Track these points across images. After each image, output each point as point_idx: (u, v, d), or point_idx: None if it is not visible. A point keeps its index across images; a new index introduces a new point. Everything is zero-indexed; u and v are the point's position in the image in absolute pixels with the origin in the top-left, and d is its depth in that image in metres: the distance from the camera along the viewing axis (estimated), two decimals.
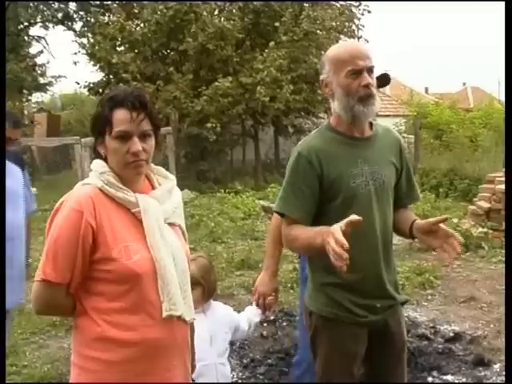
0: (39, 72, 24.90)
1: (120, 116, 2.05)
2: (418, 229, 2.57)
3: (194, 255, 3.33)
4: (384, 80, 3.40)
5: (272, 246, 3.26)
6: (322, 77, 2.63)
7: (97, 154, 2.15)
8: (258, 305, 3.23)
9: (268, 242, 3.34)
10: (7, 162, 3.54)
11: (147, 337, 2.06)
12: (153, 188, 2.21)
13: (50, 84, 25.63)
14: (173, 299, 2.09)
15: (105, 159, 2.12)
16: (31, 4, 21.40)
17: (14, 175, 3.62)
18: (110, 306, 2.04)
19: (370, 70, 2.56)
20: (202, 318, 3.10)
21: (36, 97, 27.99)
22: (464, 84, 43.15)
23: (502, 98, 8.94)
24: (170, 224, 2.19)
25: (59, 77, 24.81)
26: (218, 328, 3.18)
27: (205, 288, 3.14)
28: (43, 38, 23.88)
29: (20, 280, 3.60)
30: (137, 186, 2.14)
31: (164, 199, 2.19)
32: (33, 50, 24.71)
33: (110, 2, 18.09)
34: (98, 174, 2.09)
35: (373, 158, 2.61)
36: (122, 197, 2.08)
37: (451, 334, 5.18)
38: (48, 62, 25.59)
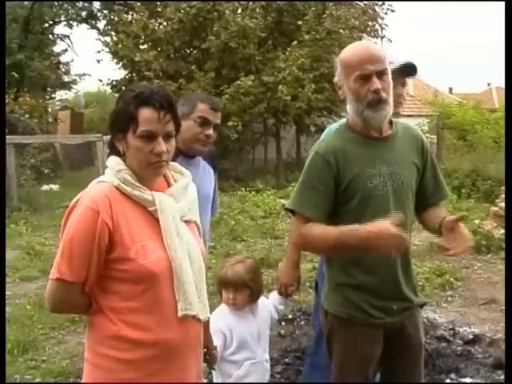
0: (63, 70, 25.13)
1: (146, 115, 2.01)
2: (444, 226, 2.52)
3: (241, 257, 3.43)
4: (408, 69, 3.22)
5: None
6: (335, 79, 2.61)
7: (113, 150, 2.12)
8: (280, 294, 3.29)
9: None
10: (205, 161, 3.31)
11: (163, 337, 2.06)
12: (168, 185, 2.19)
13: (74, 82, 25.88)
14: (188, 299, 2.08)
15: (121, 156, 2.09)
16: (56, 3, 21.55)
17: (210, 178, 3.41)
18: (126, 305, 2.04)
19: (381, 74, 2.49)
20: (250, 317, 3.21)
21: (60, 95, 28.27)
22: (489, 84, 42.68)
23: None
24: (186, 221, 2.18)
25: (83, 75, 25.08)
26: (263, 325, 3.27)
27: (253, 290, 3.18)
28: (67, 36, 24.10)
29: None
30: (153, 184, 2.12)
31: (180, 196, 2.17)
32: (57, 48, 24.97)
33: (133, 2, 18.14)
34: (114, 171, 2.07)
35: (392, 158, 2.57)
36: (138, 195, 2.06)
37: (470, 337, 5.11)
38: (72, 61, 25.83)
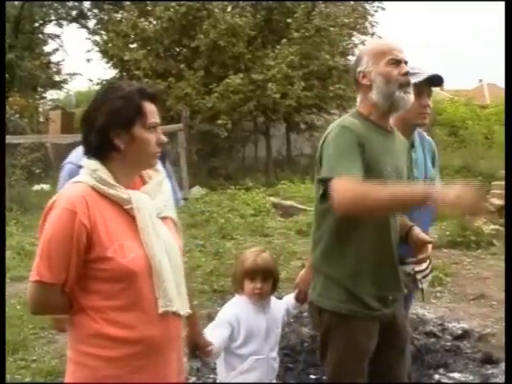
0: (54, 70, 24.99)
1: (150, 108, 2.11)
2: (413, 241, 2.78)
3: (259, 248, 3.36)
4: (436, 80, 3.31)
5: None
6: (359, 69, 2.69)
7: (105, 148, 2.08)
8: (297, 299, 3.27)
9: None
10: None
11: (145, 334, 2.06)
12: (143, 183, 2.20)
13: (65, 81, 25.69)
14: (168, 295, 2.10)
15: (119, 152, 2.08)
16: (46, 2, 21.45)
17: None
18: (107, 304, 2.05)
19: (406, 64, 2.67)
20: (261, 312, 3.17)
21: (51, 94, 28.11)
22: (480, 81, 42.76)
23: None
24: (163, 218, 2.19)
25: (74, 74, 24.89)
26: (273, 323, 3.22)
27: (276, 280, 3.18)
28: (58, 36, 23.96)
29: None
30: (129, 182, 2.14)
31: (155, 193, 2.19)
32: (48, 48, 24.82)
33: (123, 0, 18.08)
34: (89, 171, 2.08)
35: (395, 152, 2.71)
36: (114, 194, 2.07)
37: (459, 332, 5.15)
38: (63, 60, 25.72)
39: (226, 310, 3.20)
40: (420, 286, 3.36)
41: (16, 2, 20.73)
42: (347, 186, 2.39)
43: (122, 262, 2.02)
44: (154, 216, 2.13)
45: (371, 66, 2.65)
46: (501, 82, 37.34)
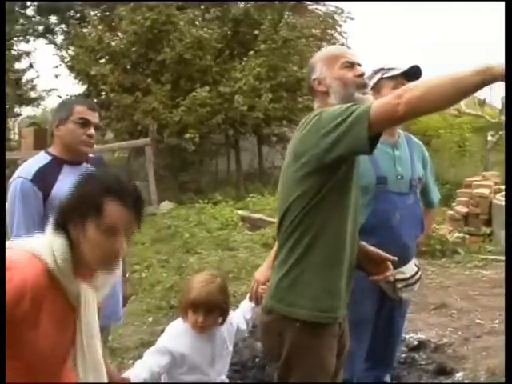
0: (29, 87, 24.71)
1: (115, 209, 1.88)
2: (364, 252, 2.69)
3: (209, 274, 3.12)
4: (415, 72, 3.25)
5: None
6: (313, 76, 2.64)
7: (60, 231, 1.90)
8: (251, 296, 3.11)
9: None
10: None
11: None
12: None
13: (40, 98, 25.37)
14: None
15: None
16: (11, 18, 21.22)
17: None
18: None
19: (360, 66, 2.64)
20: (207, 340, 2.99)
21: (26, 111, 27.75)
22: None
23: (493, 100, 8.92)
24: None
25: (50, 90, 24.57)
26: (221, 349, 3.05)
27: (223, 311, 3.01)
28: (29, 53, 23.64)
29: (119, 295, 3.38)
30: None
31: (103, 285, 2.04)
32: (20, 65, 24.47)
33: (89, 14, 17.90)
34: (51, 249, 1.86)
35: None
36: (69, 289, 1.90)
37: (415, 343, 5.03)
38: (38, 77, 25.34)
39: (169, 336, 3.01)
40: (399, 294, 3.24)
41: None
42: (396, 93, 2.20)
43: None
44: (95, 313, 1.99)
45: (325, 72, 2.62)
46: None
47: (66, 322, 1.90)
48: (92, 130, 3.14)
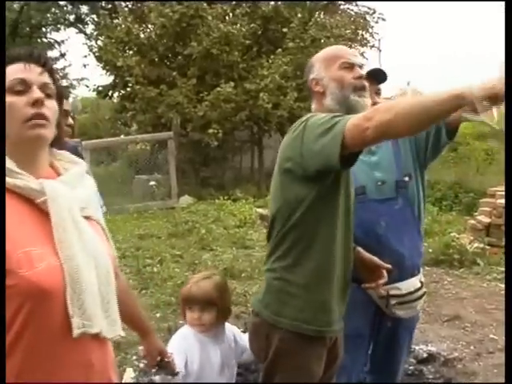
0: (60, 75, 24.83)
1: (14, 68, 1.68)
2: (360, 259, 2.61)
3: (208, 272, 3.14)
4: (378, 75, 3.11)
5: None
6: (311, 76, 2.57)
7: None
8: None
9: None
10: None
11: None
12: (58, 175, 1.75)
13: (72, 86, 25.44)
14: (87, 312, 1.59)
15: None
16: (43, 7, 21.36)
17: None
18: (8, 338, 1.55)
19: (360, 67, 2.57)
20: (213, 343, 2.91)
21: None
22: None
23: None
24: (87, 218, 1.73)
25: (82, 79, 24.62)
26: (229, 355, 2.96)
27: (220, 309, 2.91)
28: (62, 41, 23.72)
29: None
30: (39, 172, 1.68)
31: (75, 184, 1.73)
32: (53, 53, 24.59)
33: (119, 4, 17.92)
34: None
35: None
36: (21, 185, 1.60)
37: (425, 355, 4.89)
38: (70, 65, 25.44)
39: (178, 339, 2.92)
40: (392, 310, 3.07)
41: (15, 5, 20.68)
42: (371, 113, 2.10)
43: (26, 275, 1.52)
44: (75, 210, 1.67)
45: (323, 72, 2.55)
46: None
47: (45, 234, 1.62)
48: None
